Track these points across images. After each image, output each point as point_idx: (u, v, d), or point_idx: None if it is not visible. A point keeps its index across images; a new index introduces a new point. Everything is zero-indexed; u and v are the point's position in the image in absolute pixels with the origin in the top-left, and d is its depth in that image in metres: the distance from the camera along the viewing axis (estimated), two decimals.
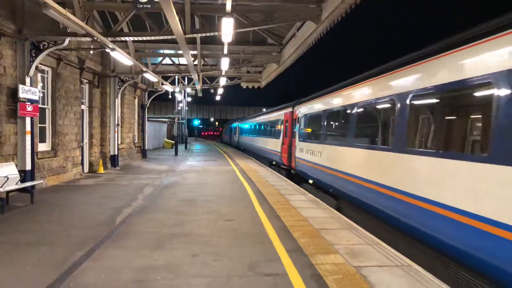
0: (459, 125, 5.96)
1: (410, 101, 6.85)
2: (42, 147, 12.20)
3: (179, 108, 49.75)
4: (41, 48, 10.82)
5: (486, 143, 4.97)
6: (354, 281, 4.75)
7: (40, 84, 12.06)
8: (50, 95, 12.74)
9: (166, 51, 19.31)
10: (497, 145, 4.72)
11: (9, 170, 9.26)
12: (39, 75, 11.92)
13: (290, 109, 18.18)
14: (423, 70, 6.57)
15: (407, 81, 7.10)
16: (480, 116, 5.44)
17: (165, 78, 23.69)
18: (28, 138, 10.59)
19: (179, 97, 41.29)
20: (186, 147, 40.79)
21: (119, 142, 19.15)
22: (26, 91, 10.36)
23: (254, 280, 4.77)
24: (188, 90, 34.59)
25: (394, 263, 5.40)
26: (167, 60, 21.19)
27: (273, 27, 14.17)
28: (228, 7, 9.04)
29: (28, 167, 10.57)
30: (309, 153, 13.82)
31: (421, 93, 6.57)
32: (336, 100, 11.39)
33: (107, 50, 11.87)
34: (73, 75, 14.07)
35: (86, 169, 15.93)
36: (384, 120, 8.25)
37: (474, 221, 4.92)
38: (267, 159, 24.12)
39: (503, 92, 4.70)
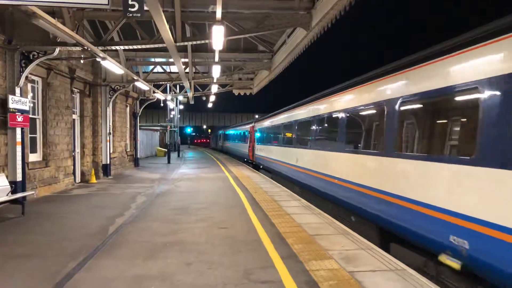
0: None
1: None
2: (33, 157, 12.08)
3: (171, 116, 49.62)
4: (31, 58, 10.76)
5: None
6: (349, 286, 4.75)
7: (30, 94, 11.99)
8: (41, 105, 12.65)
9: (157, 59, 19.31)
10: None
11: (0, 181, 9.17)
12: (29, 85, 11.85)
13: (252, 124, 28.54)
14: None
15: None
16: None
17: (157, 86, 23.65)
18: (18, 148, 10.49)
19: (171, 105, 41.22)
20: (179, 155, 40.66)
21: (111, 151, 19.04)
22: (16, 102, 10.28)
23: None
24: (180, 98, 34.58)
25: (388, 267, 5.41)
26: (159, 68, 21.19)
27: (264, 34, 14.23)
28: (218, 15, 9.08)
29: (19, 178, 10.45)
30: (262, 151, 23.29)
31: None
32: (273, 120, 20.52)
33: (98, 59, 11.83)
34: (63, 84, 14.00)
35: (78, 179, 15.80)
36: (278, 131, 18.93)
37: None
38: (240, 157, 34.17)
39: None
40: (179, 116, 49.07)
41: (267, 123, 22.18)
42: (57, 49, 10.93)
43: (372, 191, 7.61)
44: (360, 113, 8.86)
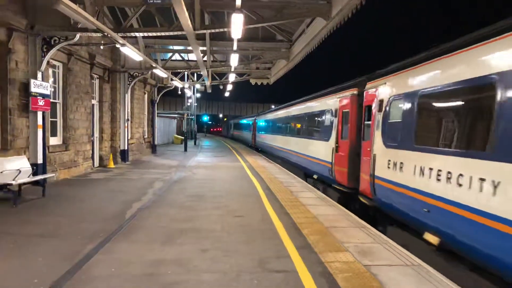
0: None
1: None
2: (53, 141, 12.32)
3: (188, 104, 49.86)
4: (52, 43, 10.90)
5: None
6: (364, 279, 4.73)
7: (51, 79, 12.16)
8: (61, 89, 12.84)
9: (176, 47, 19.35)
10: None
11: (21, 163, 9.39)
12: (50, 70, 12.01)
13: (254, 118, 37.05)
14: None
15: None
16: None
17: (175, 74, 23.75)
18: (40, 132, 10.70)
19: (188, 93, 41.41)
20: (195, 143, 40.92)
21: (129, 137, 19.27)
22: (38, 86, 10.46)
23: (263, 277, 4.77)
24: (198, 86, 34.66)
25: (404, 262, 5.37)
26: (177, 56, 21.24)
27: (282, 23, 14.10)
28: (238, 2, 9.02)
29: (40, 160, 10.69)
30: (260, 138, 31.98)
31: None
32: (266, 116, 29.56)
33: (117, 45, 11.92)
34: (83, 70, 14.17)
35: (96, 163, 16.06)
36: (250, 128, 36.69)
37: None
38: (245, 142, 43.01)
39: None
40: (196, 104, 49.28)
41: (263, 118, 31.31)
42: (78, 35, 11.04)
43: (306, 156, 15.61)
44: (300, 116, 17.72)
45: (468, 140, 5.66)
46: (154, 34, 12.33)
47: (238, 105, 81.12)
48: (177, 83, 23.72)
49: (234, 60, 16.39)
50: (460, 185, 5.42)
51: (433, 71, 6.62)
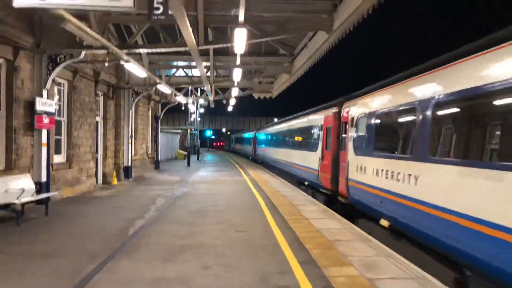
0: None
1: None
2: (57, 159, 12.36)
3: (192, 119, 50.05)
4: (58, 61, 11.01)
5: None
6: None
7: (56, 97, 12.27)
8: (66, 107, 12.94)
9: (180, 63, 19.51)
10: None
11: (25, 182, 9.41)
12: (55, 87, 12.13)
13: (254, 133, 39.88)
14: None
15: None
16: None
17: (178, 90, 23.91)
18: (44, 150, 10.75)
19: (191, 108, 41.59)
20: (198, 158, 40.97)
21: (133, 154, 19.32)
22: (43, 104, 10.54)
23: None
24: (201, 101, 34.84)
25: (409, 275, 5.30)
26: (180, 72, 21.40)
27: (284, 37, 14.21)
28: (241, 18, 9.12)
29: (44, 179, 10.71)
30: (259, 151, 34.40)
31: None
32: (264, 131, 32.88)
33: (122, 62, 12.05)
34: (88, 87, 14.30)
35: (100, 180, 16.08)
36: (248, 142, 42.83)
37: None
38: (246, 155, 46.49)
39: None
40: (199, 119, 49.46)
41: (262, 132, 34.14)
42: (83, 52, 11.16)
43: (298, 165, 17.78)
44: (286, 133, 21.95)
45: (402, 147, 7.97)
46: (159, 50, 12.45)
47: (241, 119, 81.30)
48: (180, 98, 23.88)
49: (237, 74, 16.49)
50: (398, 180, 7.49)
51: (383, 97, 9.09)
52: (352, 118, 10.84)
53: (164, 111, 26.42)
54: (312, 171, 14.77)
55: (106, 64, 15.05)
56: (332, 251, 6.46)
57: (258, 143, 35.21)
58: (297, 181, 17.95)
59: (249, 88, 25.71)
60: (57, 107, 12.27)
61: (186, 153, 35.47)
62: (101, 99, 16.42)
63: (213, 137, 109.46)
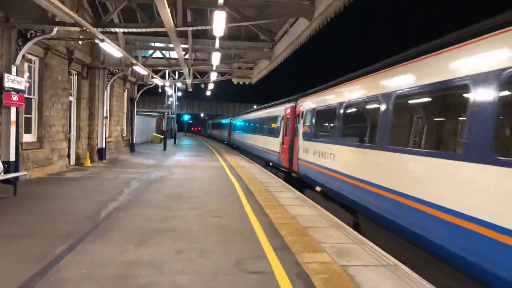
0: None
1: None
2: (27, 138, 11.95)
3: (169, 102, 49.35)
4: (29, 37, 10.56)
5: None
6: (341, 280, 4.71)
7: (26, 74, 11.81)
8: (37, 85, 12.48)
9: (157, 44, 19.06)
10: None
11: None
12: (25, 64, 11.66)
13: (230, 119, 42.61)
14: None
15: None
16: None
17: (156, 72, 23.43)
18: (12, 128, 10.34)
19: (169, 91, 41.00)
20: (175, 142, 40.55)
21: (107, 135, 18.91)
22: (12, 81, 10.12)
23: (239, 278, 4.70)
24: (179, 84, 34.34)
25: (380, 262, 5.38)
26: (158, 54, 20.95)
27: (265, 23, 14.04)
28: (221, 0, 8.92)
29: (12, 158, 10.33)
30: (234, 136, 36.60)
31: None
32: (238, 118, 36.66)
33: (97, 41, 11.64)
34: (61, 65, 13.82)
35: (72, 161, 15.69)
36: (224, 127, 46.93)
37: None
38: (221, 140, 48.86)
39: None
40: (177, 103, 48.84)
41: (237, 119, 37.02)
42: (55, 29, 10.73)
43: (265, 149, 20.01)
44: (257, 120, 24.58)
45: (327, 134, 11.09)
46: (135, 30, 12.10)
47: (220, 105, 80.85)
48: (157, 81, 23.43)
49: (216, 58, 16.24)
50: (325, 157, 10.51)
51: (318, 98, 12.36)
52: (302, 112, 13.89)
53: (140, 93, 25.89)
54: (275, 153, 17.77)
55: (80, 42, 14.54)
56: (306, 238, 6.50)
57: (233, 129, 37.83)
58: (265, 162, 20.66)
59: (228, 73, 25.47)
60: (28, 85, 11.82)
61: (162, 137, 35.05)
62: (75, 78, 15.93)
63: (191, 121, 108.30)
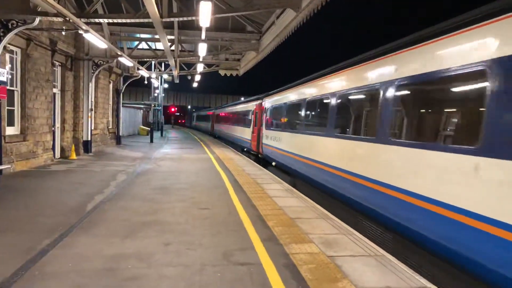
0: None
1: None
2: (10, 130, 11.72)
3: (155, 94, 48.89)
4: (10, 27, 10.30)
5: None
6: (328, 270, 4.75)
7: (8, 65, 11.54)
8: (20, 77, 12.22)
9: (143, 35, 18.83)
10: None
11: None
12: (7, 55, 11.39)
13: (213, 111, 46.51)
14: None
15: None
16: None
17: (141, 63, 23.15)
18: None
19: (155, 83, 40.58)
20: (162, 135, 40.25)
21: (93, 128, 18.67)
22: None
23: (227, 269, 4.70)
24: (165, 76, 34.01)
25: (367, 253, 5.43)
26: (144, 45, 20.69)
27: (252, 14, 13.97)
28: None
29: None
30: (218, 127, 39.39)
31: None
32: (219, 111, 41.18)
33: (80, 31, 11.43)
34: (44, 57, 13.54)
35: (57, 154, 15.46)
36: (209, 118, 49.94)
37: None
38: (205, 131, 52.13)
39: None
40: (163, 95, 48.42)
41: (219, 112, 40.94)
42: (37, 19, 10.49)
43: (241, 137, 24.73)
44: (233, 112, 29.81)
45: (278, 124, 15.05)
46: (120, 21, 11.88)
47: (207, 96, 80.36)
48: (143, 72, 23.15)
49: (202, 50, 16.10)
50: (276, 141, 14.67)
51: (272, 98, 16.77)
52: (265, 107, 17.98)
53: (126, 84, 25.57)
54: (248, 141, 21.85)
55: (63, 33, 14.26)
56: (294, 229, 6.52)
57: (216, 121, 42.12)
58: (241, 148, 24.41)
59: (215, 65, 25.31)
60: (10, 76, 11.56)
61: (149, 129, 34.76)
62: (58, 70, 15.64)
63: (178, 113, 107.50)
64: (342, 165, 8.27)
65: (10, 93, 11.52)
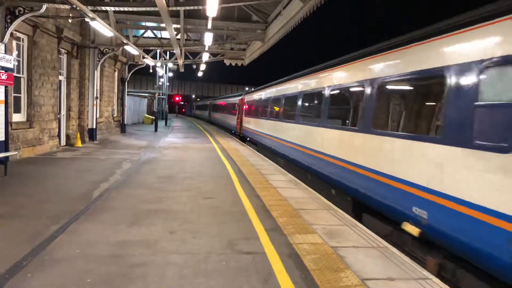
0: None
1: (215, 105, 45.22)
2: (16, 117, 11.81)
3: (160, 83, 48.85)
4: (17, 14, 10.31)
5: None
6: (331, 260, 4.81)
7: (15, 52, 11.58)
8: (26, 64, 12.27)
9: (149, 24, 18.78)
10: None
11: None
12: (14, 42, 11.43)
13: (210, 101, 54.50)
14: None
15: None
16: None
17: (147, 52, 23.13)
18: (1, 107, 10.17)
19: (160, 71, 40.54)
20: (166, 123, 40.36)
21: (98, 116, 18.75)
22: (0, 59, 9.91)
23: (232, 258, 4.77)
24: (170, 65, 33.97)
25: (370, 244, 5.49)
26: (149, 33, 20.65)
27: (258, 3, 13.88)
28: None
29: (2, 137, 10.18)
30: (215, 115, 45.71)
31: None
32: (216, 101, 48.11)
33: (87, 19, 11.44)
34: (50, 44, 13.57)
35: (63, 142, 15.57)
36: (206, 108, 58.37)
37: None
38: (204, 119, 57.38)
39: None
40: (168, 83, 48.38)
41: (215, 102, 46.99)
42: (44, 6, 10.48)
43: (231, 123, 31.91)
44: (225, 104, 37.42)
45: (255, 112, 20.86)
46: (126, 9, 11.90)
47: (211, 86, 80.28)
48: (149, 61, 23.14)
49: (208, 39, 16.08)
50: (251, 124, 21.78)
51: (252, 95, 22.99)
52: (247, 101, 23.92)
53: (131, 73, 25.59)
54: (234, 125, 28.65)
55: (70, 21, 14.24)
56: (297, 219, 6.58)
57: (213, 110, 48.60)
58: (230, 131, 30.71)
59: (220, 54, 25.23)
60: (16, 63, 11.59)
61: (153, 118, 34.82)
62: (64, 57, 15.67)
63: (182, 102, 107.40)
64: (277, 134, 14.81)
65: (17, 80, 11.58)
